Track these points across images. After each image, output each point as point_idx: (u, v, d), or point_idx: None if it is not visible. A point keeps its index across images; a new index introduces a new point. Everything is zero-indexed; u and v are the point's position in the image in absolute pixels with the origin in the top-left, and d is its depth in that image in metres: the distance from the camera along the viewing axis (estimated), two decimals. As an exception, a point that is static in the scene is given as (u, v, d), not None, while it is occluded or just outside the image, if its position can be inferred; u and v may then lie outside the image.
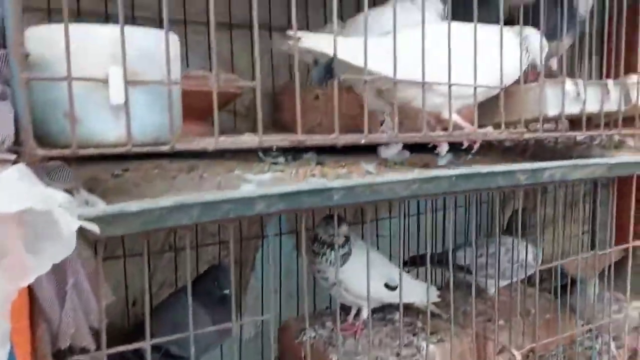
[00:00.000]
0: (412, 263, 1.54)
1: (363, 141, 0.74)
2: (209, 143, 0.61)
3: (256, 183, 0.77)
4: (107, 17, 1.10)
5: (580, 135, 0.95)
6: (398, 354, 1.23)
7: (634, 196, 1.03)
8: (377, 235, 1.60)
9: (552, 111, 0.90)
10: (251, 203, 0.63)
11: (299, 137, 0.68)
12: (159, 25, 0.58)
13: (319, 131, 1.19)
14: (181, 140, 0.60)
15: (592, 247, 1.95)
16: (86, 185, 0.71)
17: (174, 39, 0.64)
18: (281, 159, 1.01)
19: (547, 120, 0.93)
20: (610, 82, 0.95)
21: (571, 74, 1.20)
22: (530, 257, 1.37)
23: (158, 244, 1.32)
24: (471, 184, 0.80)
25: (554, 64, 1.21)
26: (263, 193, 0.63)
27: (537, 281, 1.02)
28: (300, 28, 1.41)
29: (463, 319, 1.39)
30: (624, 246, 1.02)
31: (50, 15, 1.07)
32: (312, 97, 1.25)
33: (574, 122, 1.11)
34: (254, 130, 0.91)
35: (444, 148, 0.92)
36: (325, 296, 1.52)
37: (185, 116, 0.78)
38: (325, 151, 1.05)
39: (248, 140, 0.69)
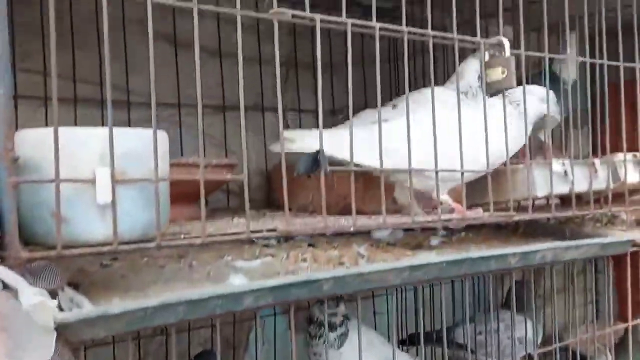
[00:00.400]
0: (411, 342, 1.51)
1: (352, 229, 0.74)
2: (196, 239, 0.61)
3: (245, 272, 0.76)
4: (102, 103, 1.13)
5: (570, 214, 0.95)
6: None
7: (629, 273, 1.02)
8: (374, 313, 1.57)
9: (540, 192, 0.91)
10: (239, 298, 0.62)
11: (288, 228, 0.68)
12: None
13: (312, 209, 1.20)
14: (168, 237, 0.60)
15: (597, 318, 1.92)
16: (73, 278, 0.71)
17: (163, 136, 0.65)
18: (273, 241, 1.01)
19: (537, 199, 0.93)
20: (597, 161, 0.97)
21: (560, 148, 1.23)
22: (530, 333, 1.34)
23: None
24: (462, 269, 0.79)
25: (542, 137, 1.23)
26: (251, 288, 0.62)
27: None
28: (293, 108, 1.46)
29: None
30: (622, 325, 1.00)
31: (46, 102, 1.10)
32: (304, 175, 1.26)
33: (565, 199, 1.12)
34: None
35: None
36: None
37: (176, 200, 0.79)
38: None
39: (237, 231, 0.69)
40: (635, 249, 1.01)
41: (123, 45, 1.20)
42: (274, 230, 0.70)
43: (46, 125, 1.00)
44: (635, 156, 1.01)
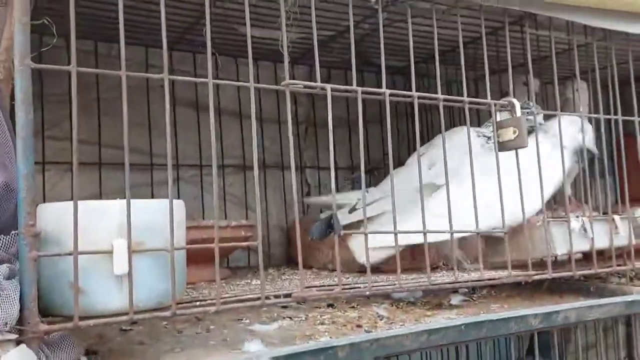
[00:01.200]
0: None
1: (367, 293, 0.74)
2: (211, 307, 0.62)
3: (262, 336, 0.76)
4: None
5: (591, 272, 0.93)
6: None
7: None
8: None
9: (560, 250, 0.89)
10: (252, 368, 0.62)
11: (302, 294, 0.68)
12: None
13: (331, 268, 1.20)
14: (183, 304, 0.61)
15: (631, 373, 1.84)
16: (92, 345, 0.72)
17: (179, 205, 0.67)
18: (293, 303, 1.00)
19: (556, 257, 0.92)
20: (617, 218, 0.95)
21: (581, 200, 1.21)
22: None
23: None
24: (481, 332, 0.78)
25: (567, 190, 1.22)
26: (265, 356, 0.62)
27: None
28: (312, 166, 1.48)
29: None
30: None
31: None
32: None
33: (588, 254, 1.10)
34: (267, 266, 0.90)
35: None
36: None
37: (195, 261, 0.80)
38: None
39: (251, 297, 0.69)
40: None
41: (147, 110, 1.25)
42: (289, 295, 0.70)
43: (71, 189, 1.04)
44: (656, 210, 1.00)
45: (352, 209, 1.00)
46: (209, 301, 0.66)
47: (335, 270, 1.10)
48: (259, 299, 0.68)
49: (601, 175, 1.06)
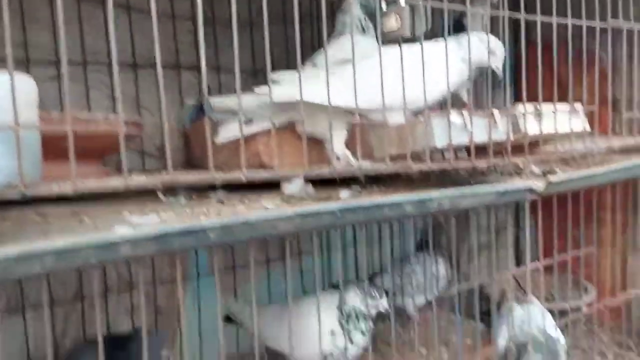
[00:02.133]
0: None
1: (243, 179, 0.73)
2: (67, 187, 0.59)
3: (134, 226, 0.74)
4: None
5: (469, 165, 0.97)
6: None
7: (539, 217, 1.06)
8: (300, 271, 1.59)
9: (439, 143, 0.92)
10: (114, 247, 0.61)
11: (165, 177, 0.67)
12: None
13: (226, 169, 1.18)
14: (34, 185, 0.58)
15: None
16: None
17: (29, 84, 0.62)
18: (182, 200, 0.99)
19: (436, 151, 0.94)
20: (496, 113, 0.99)
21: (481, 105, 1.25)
22: (442, 271, 1.41)
23: (70, 291, 1.27)
24: (357, 216, 0.80)
25: (464, 94, 1.25)
26: (127, 236, 0.61)
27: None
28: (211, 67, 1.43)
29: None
30: (523, 269, 1.05)
31: None
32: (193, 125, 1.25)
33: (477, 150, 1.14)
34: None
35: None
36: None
37: (79, 157, 0.76)
38: (235, 190, 1.04)
39: (113, 182, 0.67)
40: (534, 197, 1.05)
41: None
42: (156, 180, 0.68)
43: None
44: (535, 108, 1.04)
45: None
46: (65, 184, 0.63)
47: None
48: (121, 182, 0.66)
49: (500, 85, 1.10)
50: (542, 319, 1.25)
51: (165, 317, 1.39)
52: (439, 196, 0.87)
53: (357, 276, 1.60)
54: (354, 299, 1.22)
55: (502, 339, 1.32)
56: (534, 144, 1.04)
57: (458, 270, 1.68)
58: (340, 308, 1.20)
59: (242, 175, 0.73)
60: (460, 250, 1.79)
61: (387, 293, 1.51)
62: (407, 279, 1.45)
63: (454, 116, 0.93)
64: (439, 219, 1.28)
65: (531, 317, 1.29)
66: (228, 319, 1.35)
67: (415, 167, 0.90)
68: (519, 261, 2.07)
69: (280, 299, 1.52)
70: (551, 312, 1.30)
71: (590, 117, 1.14)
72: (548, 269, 1.75)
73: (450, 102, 0.92)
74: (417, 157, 0.96)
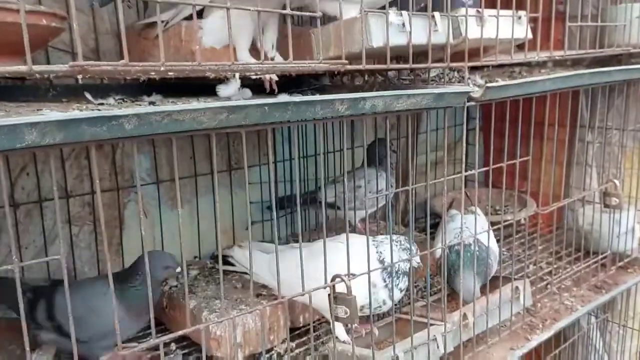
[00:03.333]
0: (281, 206, 1.56)
1: (162, 68, 0.70)
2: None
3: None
4: None
5: (406, 69, 0.95)
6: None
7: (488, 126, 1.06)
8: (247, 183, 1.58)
9: (376, 42, 0.89)
10: (18, 133, 0.58)
11: (81, 64, 0.63)
12: None
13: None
14: None
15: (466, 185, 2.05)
16: None
17: None
18: (111, 101, 0.95)
19: (372, 52, 0.92)
20: (437, 15, 0.96)
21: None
22: (383, 184, 1.43)
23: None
24: (287, 114, 0.78)
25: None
26: (32, 120, 0.58)
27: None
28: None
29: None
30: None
31: None
32: (153, 36, 1.18)
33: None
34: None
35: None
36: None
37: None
38: (172, 95, 1.00)
39: (16, 67, 0.63)
40: (472, 103, 1.05)
41: None
42: (63, 68, 0.64)
43: None
44: (478, 12, 1.01)
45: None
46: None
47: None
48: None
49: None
50: (477, 229, 1.29)
51: (106, 226, 1.37)
52: (373, 96, 0.86)
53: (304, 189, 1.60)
54: (395, 255, 1.12)
55: (438, 245, 1.37)
56: (475, 52, 1.02)
57: (404, 185, 1.71)
58: (382, 262, 1.11)
59: (161, 66, 0.69)
60: (409, 165, 1.81)
61: (331, 206, 1.54)
62: (351, 193, 1.45)
63: (393, 15, 0.90)
64: (386, 130, 1.27)
65: (468, 226, 1.33)
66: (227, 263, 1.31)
67: (350, 66, 0.87)
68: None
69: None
70: (493, 224, 1.35)
71: (534, 27, 1.13)
72: (495, 187, 1.81)
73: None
74: (355, 58, 0.94)
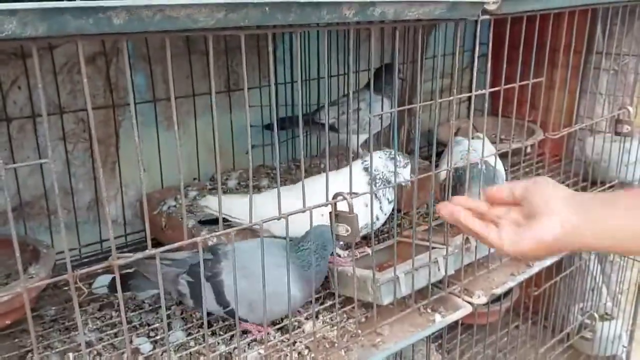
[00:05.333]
0: (282, 127, 1.52)
1: None
2: None
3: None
4: None
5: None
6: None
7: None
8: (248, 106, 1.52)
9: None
10: (-5, 21, 0.53)
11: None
12: None
13: None
14: None
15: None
16: None
17: None
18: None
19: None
20: None
21: None
22: (386, 108, 1.38)
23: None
24: (290, 16, 0.73)
25: None
26: (10, 7, 0.53)
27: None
28: None
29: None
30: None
31: None
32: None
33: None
34: None
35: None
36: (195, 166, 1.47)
37: None
38: None
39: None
40: (486, 17, 0.98)
41: None
42: None
43: None
44: None
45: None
46: None
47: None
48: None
49: None
50: (484, 152, 1.25)
51: (101, 144, 1.33)
52: (383, 0, 0.80)
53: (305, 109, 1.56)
54: (378, 162, 1.12)
55: (443, 165, 1.34)
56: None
57: (409, 111, 1.65)
58: (367, 170, 1.10)
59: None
60: (415, 90, 1.75)
61: (331, 128, 1.49)
62: (351, 116, 1.41)
63: None
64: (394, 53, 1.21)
65: (475, 149, 1.29)
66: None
67: None
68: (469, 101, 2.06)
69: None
70: (500, 153, 1.31)
71: None
72: (504, 116, 1.75)
73: None
74: None
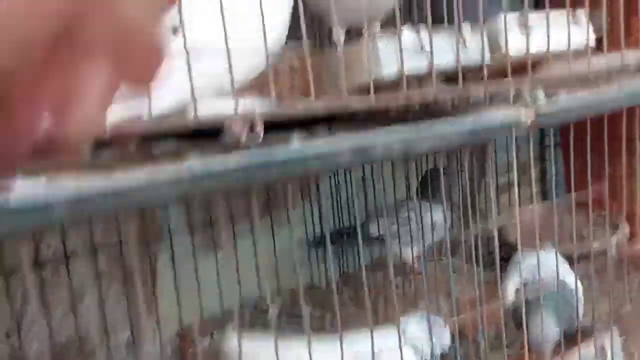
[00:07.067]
0: (318, 245, 1.42)
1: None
2: None
3: None
4: None
5: (430, 97, 0.78)
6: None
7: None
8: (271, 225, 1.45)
9: (387, 70, 0.73)
10: None
11: None
12: None
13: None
14: None
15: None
16: None
17: None
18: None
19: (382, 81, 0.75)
20: (467, 28, 0.78)
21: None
22: (439, 217, 1.24)
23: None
24: (271, 173, 0.65)
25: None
26: None
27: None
28: None
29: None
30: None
31: None
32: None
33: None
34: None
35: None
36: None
37: None
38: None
39: None
40: (520, 133, 0.85)
41: None
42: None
43: None
44: (520, 17, 0.82)
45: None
46: None
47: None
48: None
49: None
50: (556, 266, 1.07)
51: (138, 279, 1.30)
52: (384, 141, 0.70)
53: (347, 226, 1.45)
54: (417, 334, 0.94)
55: (510, 289, 1.16)
56: (520, 67, 0.83)
57: (465, 216, 1.50)
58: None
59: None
60: (474, 192, 1.60)
61: (381, 240, 1.37)
62: (402, 227, 1.29)
63: (407, 34, 0.74)
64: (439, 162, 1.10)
65: (544, 264, 1.11)
66: None
67: (355, 104, 0.72)
68: (546, 199, 1.86)
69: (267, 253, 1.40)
70: (570, 257, 1.12)
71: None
72: (578, 206, 1.55)
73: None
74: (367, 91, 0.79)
